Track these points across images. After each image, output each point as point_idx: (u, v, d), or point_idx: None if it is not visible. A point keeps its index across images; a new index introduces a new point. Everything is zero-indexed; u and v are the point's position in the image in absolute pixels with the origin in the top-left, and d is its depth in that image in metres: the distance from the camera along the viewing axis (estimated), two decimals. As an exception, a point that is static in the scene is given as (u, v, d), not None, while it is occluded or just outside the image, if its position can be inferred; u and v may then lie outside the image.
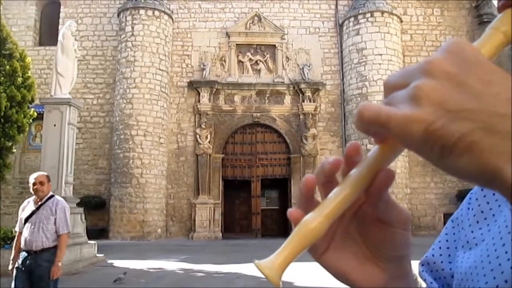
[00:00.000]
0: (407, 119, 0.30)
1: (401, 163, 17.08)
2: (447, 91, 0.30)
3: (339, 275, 0.43)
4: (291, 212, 0.39)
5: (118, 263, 10.23)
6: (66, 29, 11.09)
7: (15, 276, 4.34)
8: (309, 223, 0.37)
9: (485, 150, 0.28)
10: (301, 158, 18.14)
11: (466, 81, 0.30)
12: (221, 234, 17.53)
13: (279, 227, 18.74)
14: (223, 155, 18.42)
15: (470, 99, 0.29)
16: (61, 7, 19.66)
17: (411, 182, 17.90)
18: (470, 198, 0.56)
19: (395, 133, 0.31)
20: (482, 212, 0.53)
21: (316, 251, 0.42)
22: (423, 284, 0.56)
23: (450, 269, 0.56)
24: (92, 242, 10.77)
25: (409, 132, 0.30)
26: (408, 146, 0.32)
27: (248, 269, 8.33)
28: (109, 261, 10.52)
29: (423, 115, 0.30)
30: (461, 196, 17.09)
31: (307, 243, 0.37)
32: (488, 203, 0.52)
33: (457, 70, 0.31)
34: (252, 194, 18.79)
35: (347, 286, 0.43)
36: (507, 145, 0.28)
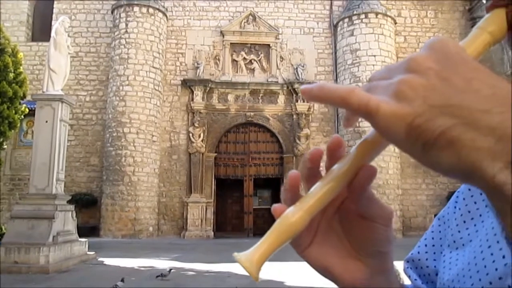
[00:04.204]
0: (392, 112, 0.30)
1: (393, 164, 17.16)
2: (430, 86, 0.30)
3: (322, 270, 0.43)
4: (276, 208, 0.39)
5: (109, 261, 10.19)
6: (59, 25, 11.00)
7: None
8: (290, 217, 0.37)
9: (466, 145, 0.29)
10: (294, 158, 18.16)
11: (449, 78, 0.30)
12: (213, 233, 17.51)
13: (271, 227, 18.72)
14: (216, 154, 18.39)
15: (453, 95, 0.30)
16: (55, 2, 19.51)
17: (402, 183, 18.00)
18: (457, 197, 0.57)
19: (379, 125, 0.31)
20: (469, 212, 0.53)
21: (300, 246, 0.42)
22: (406, 280, 0.56)
23: (435, 266, 0.57)
24: (83, 239, 10.71)
25: (393, 125, 0.30)
26: (390, 139, 0.32)
27: (240, 268, 8.30)
28: (100, 259, 10.46)
29: (406, 110, 0.30)
30: (452, 197, 17.20)
31: (287, 237, 0.37)
32: (475, 203, 0.53)
33: (440, 66, 0.31)
34: (244, 193, 18.78)
35: (336, 286, 0.43)
36: (487, 140, 0.28)
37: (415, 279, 0.58)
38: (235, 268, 8.47)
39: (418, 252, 0.59)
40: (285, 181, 0.41)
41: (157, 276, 7.59)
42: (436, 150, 0.30)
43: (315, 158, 0.39)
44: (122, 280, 6.65)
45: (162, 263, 9.78)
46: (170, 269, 7.98)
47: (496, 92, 0.30)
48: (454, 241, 0.53)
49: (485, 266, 0.44)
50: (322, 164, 0.40)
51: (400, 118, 0.30)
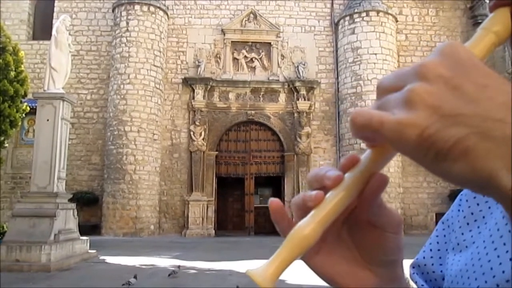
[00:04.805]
0: (400, 124, 0.29)
1: (394, 163, 17.14)
2: (441, 95, 0.29)
3: (328, 279, 0.42)
4: (272, 202, 0.39)
5: (111, 259, 10.20)
6: (60, 23, 10.99)
7: None
8: (302, 230, 0.36)
9: (480, 155, 0.28)
10: (295, 156, 18.17)
11: (461, 85, 0.29)
12: (214, 231, 17.53)
13: (272, 225, 18.33)
14: (217, 152, 18.40)
15: (465, 104, 0.29)
16: (56, 1, 19.52)
17: (404, 181, 17.98)
18: (460, 200, 0.56)
19: (388, 139, 0.30)
20: (472, 214, 0.52)
21: (306, 254, 0.41)
22: (415, 287, 0.56)
23: (441, 271, 0.56)
24: (84, 238, 10.72)
25: (403, 137, 0.29)
26: (401, 151, 0.31)
27: (241, 266, 8.34)
28: (101, 257, 10.47)
29: (417, 120, 0.29)
30: (453, 196, 17.19)
31: (300, 251, 0.37)
32: (478, 204, 0.52)
33: (452, 73, 0.30)
34: (245, 191, 18.80)
35: None
36: (502, 150, 0.28)
37: (422, 285, 0.58)
38: (236, 267, 8.48)
39: (424, 257, 0.59)
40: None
41: (169, 275, 7.66)
42: (449, 161, 0.29)
43: (334, 185, 0.38)
44: (135, 277, 6.69)
45: (163, 261, 9.79)
46: (179, 266, 8.11)
47: (509, 100, 0.29)
48: (458, 244, 0.52)
49: (491, 268, 0.44)
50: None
51: (409, 129, 0.29)
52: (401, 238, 0.41)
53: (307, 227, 0.36)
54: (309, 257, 0.42)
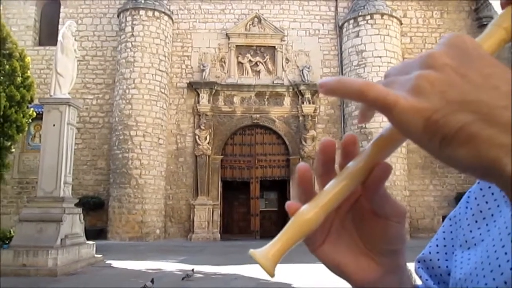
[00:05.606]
0: (412, 107, 0.30)
1: (400, 165, 17.08)
2: (448, 82, 0.30)
3: (334, 268, 0.43)
4: (290, 205, 0.39)
5: (117, 263, 10.22)
6: (66, 29, 11.07)
7: None
8: (305, 214, 0.37)
9: (485, 141, 0.28)
10: (300, 159, 18.11)
11: (467, 74, 0.30)
12: (219, 235, 17.51)
13: (278, 229, 18.28)
14: (222, 156, 18.41)
15: (471, 91, 0.29)
16: (61, 7, 19.66)
17: (410, 184, 17.89)
18: (468, 197, 0.56)
19: (397, 120, 0.31)
20: (481, 212, 0.52)
21: (313, 244, 0.42)
22: (418, 281, 0.56)
23: (447, 266, 0.56)
24: (90, 242, 10.75)
25: (410, 120, 0.30)
26: (407, 134, 0.31)
27: (247, 270, 8.32)
28: (108, 261, 10.49)
29: (425, 104, 0.30)
30: (459, 198, 16.81)
31: (303, 234, 0.37)
32: (487, 202, 0.52)
33: (457, 62, 0.31)
34: (251, 195, 18.78)
35: (344, 286, 0.43)
36: (506, 137, 0.28)
37: (426, 279, 0.58)
38: (242, 270, 8.47)
39: (430, 252, 0.59)
40: (296, 176, 0.41)
41: (183, 278, 7.71)
42: (455, 146, 0.29)
43: (328, 150, 0.39)
44: (152, 281, 6.70)
45: (170, 266, 9.80)
46: (193, 269, 8.20)
47: None
48: (466, 241, 0.52)
49: (499, 266, 0.44)
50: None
51: (418, 113, 0.30)
52: (404, 227, 0.42)
53: (310, 212, 0.37)
54: (316, 246, 0.43)
